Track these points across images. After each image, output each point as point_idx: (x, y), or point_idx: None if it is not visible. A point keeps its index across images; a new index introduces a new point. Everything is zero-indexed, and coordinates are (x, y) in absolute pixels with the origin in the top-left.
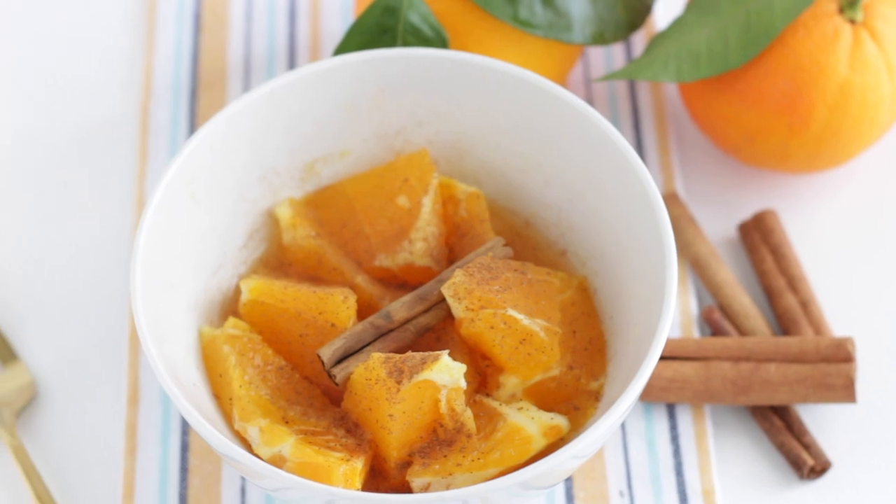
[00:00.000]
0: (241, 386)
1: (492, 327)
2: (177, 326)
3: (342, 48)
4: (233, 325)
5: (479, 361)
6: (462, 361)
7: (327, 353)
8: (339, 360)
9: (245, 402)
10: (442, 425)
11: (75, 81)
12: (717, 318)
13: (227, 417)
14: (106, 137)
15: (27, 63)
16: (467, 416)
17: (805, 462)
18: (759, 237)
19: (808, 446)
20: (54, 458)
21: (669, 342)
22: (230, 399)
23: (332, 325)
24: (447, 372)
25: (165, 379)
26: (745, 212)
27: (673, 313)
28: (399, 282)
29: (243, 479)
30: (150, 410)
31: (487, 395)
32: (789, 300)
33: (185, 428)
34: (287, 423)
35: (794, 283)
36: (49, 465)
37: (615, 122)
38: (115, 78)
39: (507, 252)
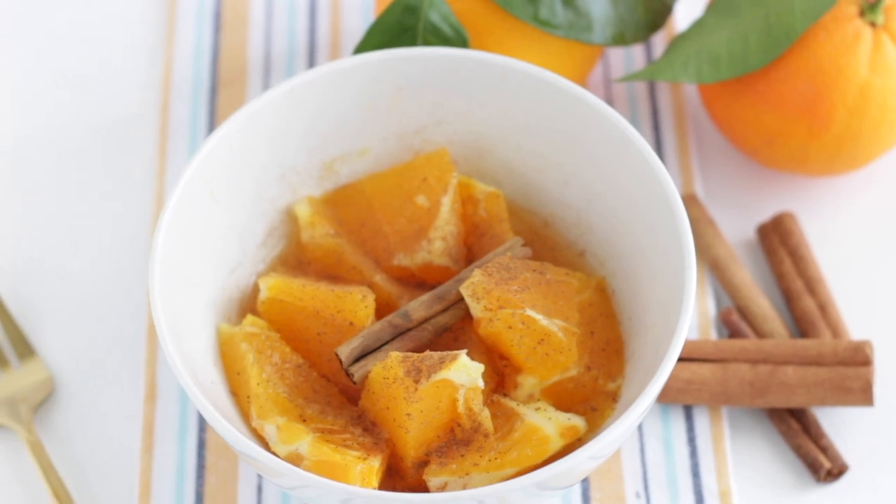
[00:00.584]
0: (258, 383)
1: (510, 327)
2: (195, 324)
3: (362, 47)
4: (251, 323)
5: (497, 361)
6: (480, 361)
7: (345, 351)
8: (357, 359)
9: (262, 400)
10: (459, 425)
11: (96, 79)
12: (734, 319)
13: (245, 415)
14: (125, 135)
15: (48, 61)
16: (485, 415)
17: (822, 465)
18: (777, 239)
19: (826, 449)
20: (71, 454)
21: (687, 344)
22: (248, 397)
23: (351, 323)
24: (465, 371)
25: (183, 376)
26: (764, 214)
27: (691, 315)
28: (417, 281)
29: (260, 476)
30: (168, 407)
31: (505, 395)
32: (807, 302)
33: (203, 425)
34: (304, 421)
35: (813, 285)
36: (66, 461)
37: (635, 123)
38: (135, 75)
39: (526, 252)
